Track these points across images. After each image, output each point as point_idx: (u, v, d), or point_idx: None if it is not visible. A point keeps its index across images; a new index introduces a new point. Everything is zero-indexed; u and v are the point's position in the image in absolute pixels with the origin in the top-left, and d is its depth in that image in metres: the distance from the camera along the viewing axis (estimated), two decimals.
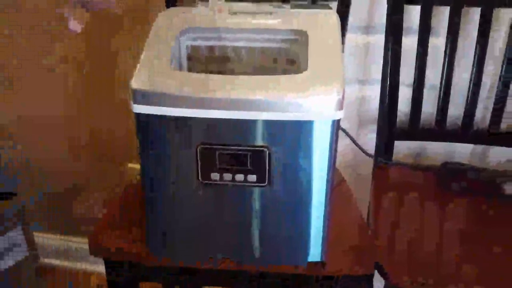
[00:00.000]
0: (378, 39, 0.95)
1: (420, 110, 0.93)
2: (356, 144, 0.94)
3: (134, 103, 0.56)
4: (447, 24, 0.89)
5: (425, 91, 0.93)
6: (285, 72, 0.69)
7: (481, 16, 0.88)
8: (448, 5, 0.88)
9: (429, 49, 0.90)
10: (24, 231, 1.08)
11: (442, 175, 0.92)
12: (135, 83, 0.55)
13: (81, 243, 1.35)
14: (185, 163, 0.58)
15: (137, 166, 1.21)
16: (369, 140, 1.03)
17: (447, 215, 0.82)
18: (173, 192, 0.61)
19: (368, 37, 1.01)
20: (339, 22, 0.66)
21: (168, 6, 0.88)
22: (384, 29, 0.92)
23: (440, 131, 0.94)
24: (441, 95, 0.92)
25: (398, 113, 0.94)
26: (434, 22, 0.91)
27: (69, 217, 1.34)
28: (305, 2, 0.86)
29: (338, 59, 0.58)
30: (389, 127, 0.94)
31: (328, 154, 0.56)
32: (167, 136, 0.57)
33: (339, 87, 0.54)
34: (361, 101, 1.06)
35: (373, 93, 1.02)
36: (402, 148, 1.06)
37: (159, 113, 0.55)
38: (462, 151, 1.04)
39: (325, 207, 0.60)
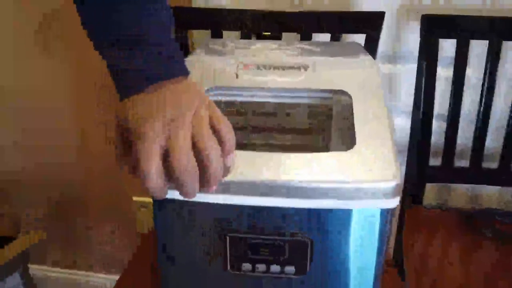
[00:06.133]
0: (401, 68, 0.90)
1: (454, 150, 0.86)
2: None
3: None
4: (476, 54, 0.83)
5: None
6: (319, 130, 0.61)
7: None
8: (487, 39, 0.80)
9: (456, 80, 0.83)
10: (23, 276, 1.01)
11: (472, 219, 0.85)
12: None
13: (83, 276, 1.28)
14: (212, 252, 0.51)
15: (141, 199, 1.15)
16: None
17: (475, 260, 0.78)
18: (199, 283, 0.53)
19: (391, 66, 0.93)
20: (380, 75, 0.58)
21: None
22: (407, 58, 0.88)
23: (474, 173, 0.87)
24: (478, 132, 0.85)
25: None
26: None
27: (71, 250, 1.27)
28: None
29: (386, 129, 0.51)
30: (420, 168, 0.86)
31: (377, 246, 0.49)
32: (191, 223, 0.50)
33: (395, 170, 0.46)
34: None
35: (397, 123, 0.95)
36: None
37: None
38: (489, 192, 0.98)
39: None
